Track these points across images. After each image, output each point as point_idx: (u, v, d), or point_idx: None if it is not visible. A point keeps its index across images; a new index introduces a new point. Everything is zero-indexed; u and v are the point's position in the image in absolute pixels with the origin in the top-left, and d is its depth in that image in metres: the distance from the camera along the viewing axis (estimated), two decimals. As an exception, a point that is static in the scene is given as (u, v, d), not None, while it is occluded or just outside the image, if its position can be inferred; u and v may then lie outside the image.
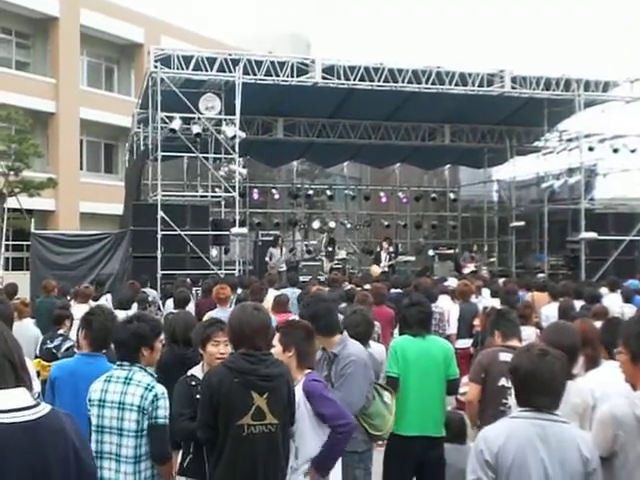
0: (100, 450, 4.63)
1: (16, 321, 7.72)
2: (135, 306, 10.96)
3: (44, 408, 2.54)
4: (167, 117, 18.29)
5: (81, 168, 37.34)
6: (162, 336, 5.20)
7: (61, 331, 8.46)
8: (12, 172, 26.31)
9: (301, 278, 17.50)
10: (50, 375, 5.51)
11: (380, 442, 7.69)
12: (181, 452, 5.06)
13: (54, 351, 8.00)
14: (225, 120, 18.50)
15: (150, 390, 4.61)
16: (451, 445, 6.21)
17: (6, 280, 16.90)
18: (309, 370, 4.87)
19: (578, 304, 10.53)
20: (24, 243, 26.42)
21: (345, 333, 5.89)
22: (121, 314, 10.53)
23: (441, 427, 6.16)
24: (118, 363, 4.82)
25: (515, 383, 3.73)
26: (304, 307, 6.09)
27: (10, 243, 29.07)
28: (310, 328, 5.03)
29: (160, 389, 4.66)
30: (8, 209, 26.21)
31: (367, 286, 12.92)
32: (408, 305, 6.51)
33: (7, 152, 26.53)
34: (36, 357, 8.19)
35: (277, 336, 4.86)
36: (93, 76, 39.17)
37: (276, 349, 4.78)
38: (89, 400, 4.72)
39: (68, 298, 12.84)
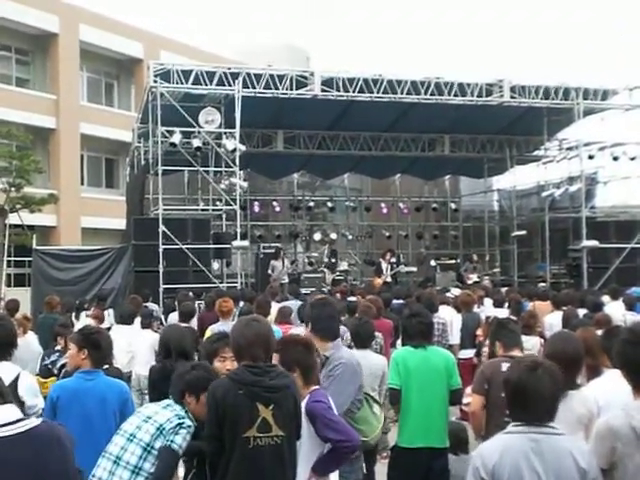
0: (106, 450, 4.66)
1: (20, 337, 7.72)
2: (138, 321, 10.96)
3: (34, 421, 2.56)
4: (167, 131, 18.34)
5: (82, 183, 37.38)
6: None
7: (58, 347, 8.43)
8: (13, 188, 26.32)
9: (303, 290, 17.49)
10: (50, 395, 5.46)
11: (385, 454, 7.71)
12: (184, 467, 5.05)
13: (50, 367, 7.97)
14: (225, 133, 18.55)
15: (180, 418, 4.65)
16: (453, 455, 6.20)
17: (8, 296, 16.90)
18: (315, 387, 4.81)
19: (581, 313, 10.54)
20: (26, 259, 26.39)
21: (339, 340, 5.90)
22: (124, 329, 10.59)
23: (445, 438, 6.14)
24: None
25: (507, 396, 3.73)
26: (312, 307, 6.08)
27: (12, 259, 29.07)
28: (308, 341, 5.00)
29: (189, 423, 4.67)
30: (10, 225, 26.21)
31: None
32: (408, 316, 6.58)
33: (8, 168, 26.54)
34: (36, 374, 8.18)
35: (276, 357, 4.73)
36: (93, 92, 39.25)
37: None
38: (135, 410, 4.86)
39: (73, 314, 12.85)
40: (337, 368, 5.56)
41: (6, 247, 25.37)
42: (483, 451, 3.65)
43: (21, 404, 5.60)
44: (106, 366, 6.12)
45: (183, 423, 4.63)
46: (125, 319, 11.00)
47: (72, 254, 20.46)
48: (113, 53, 38.93)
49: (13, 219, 26.39)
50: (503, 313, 10.94)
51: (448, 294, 14.79)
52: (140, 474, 4.55)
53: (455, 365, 6.41)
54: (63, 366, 7.42)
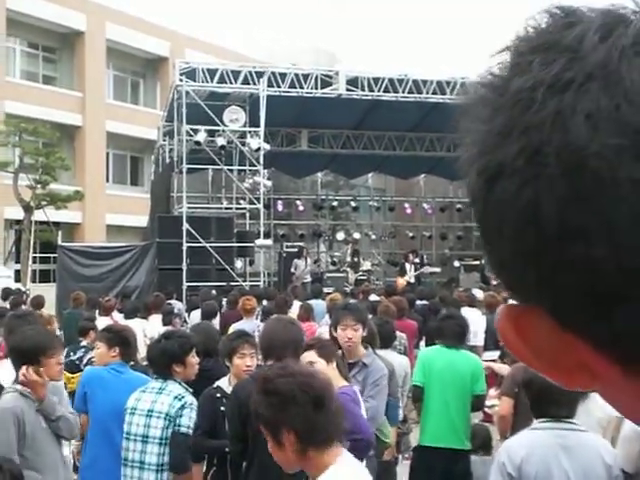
0: (126, 457, 4.70)
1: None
2: (159, 317, 10.98)
3: None
4: (192, 130, 18.39)
5: (107, 181, 37.63)
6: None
7: (84, 342, 8.47)
8: (39, 185, 26.55)
9: (325, 289, 17.46)
10: (82, 381, 5.64)
11: (407, 455, 7.68)
12: (205, 464, 5.06)
13: (77, 363, 8.01)
14: (249, 132, 18.58)
15: (180, 399, 4.71)
16: (477, 457, 6.17)
17: (33, 292, 17.01)
18: (346, 384, 4.81)
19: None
20: (51, 255, 26.64)
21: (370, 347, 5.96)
22: (132, 323, 10.62)
23: (464, 440, 6.15)
24: (155, 377, 4.93)
25: (530, 396, 3.77)
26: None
27: (37, 255, 29.31)
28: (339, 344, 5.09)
29: (190, 399, 4.76)
30: (35, 222, 26.43)
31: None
32: (445, 317, 6.78)
33: (34, 165, 26.78)
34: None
35: (313, 353, 4.72)
36: (119, 89, 39.51)
37: (319, 365, 4.63)
38: (125, 409, 4.81)
39: (97, 311, 12.90)
40: (382, 379, 5.70)
41: (32, 243, 25.57)
42: (509, 446, 3.65)
43: None
44: (132, 363, 6.20)
45: (184, 404, 4.74)
46: (128, 314, 11.09)
47: (97, 251, 20.58)
48: (139, 51, 39.15)
49: (39, 216, 26.61)
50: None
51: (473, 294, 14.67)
52: (167, 444, 4.71)
53: (482, 371, 6.43)
54: (89, 361, 7.47)
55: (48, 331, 5.16)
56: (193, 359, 5.03)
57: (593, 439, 3.62)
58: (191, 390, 4.94)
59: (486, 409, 7.12)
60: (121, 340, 5.65)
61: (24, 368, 4.48)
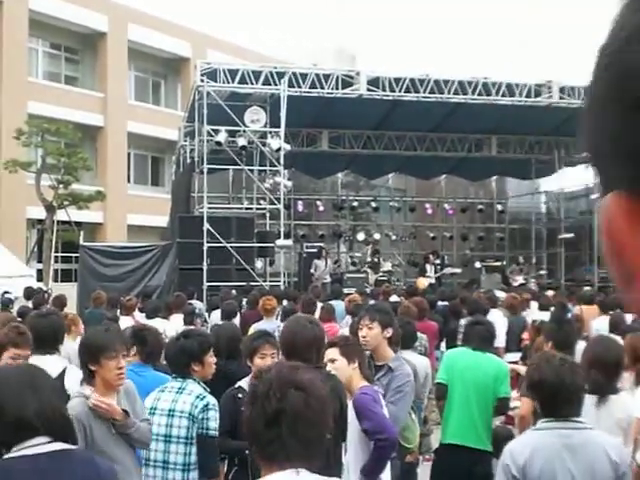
0: (147, 457, 4.71)
1: (69, 334, 7.76)
2: (180, 317, 11.01)
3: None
4: (213, 130, 18.45)
5: (128, 181, 37.78)
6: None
7: None
8: (61, 185, 26.71)
9: (345, 290, 17.43)
10: None
11: (427, 457, 7.66)
12: (227, 464, 5.07)
13: None
14: (270, 133, 18.60)
15: (201, 399, 4.73)
16: (497, 460, 6.16)
17: (55, 291, 17.11)
18: (367, 384, 4.81)
19: (630, 317, 10.32)
20: (73, 255, 26.81)
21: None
22: (154, 323, 10.66)
23: (485, 441, 6.13)
24: (173, 376, 4.94)
25: (541, 397, 3.75)
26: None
27: (59, 255, 29.48)
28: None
29: (212, 400, 4.78)
30: (57, 221, 26.58)
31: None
32: (473, 323, 6.81)
33: (57, 165, 26.94)
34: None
35: (336, 351, 4.77)
36: (140, 90, 39.67)
37: (340, 363, 4.72)
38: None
39: (118, 310, 12.95)
40: (406, 385, 5.61)
41: (54, 243, 25.71)
42: (513, 448, 3.66)
43: (67, 397, 5.69)
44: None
45: (207, 404, 4.73)
46: (149, 313, 11.13)
47: (118, 250, 20.68)
48: (160, 52, 39.29)
49: (61, 215, 26.76)
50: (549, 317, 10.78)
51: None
52: (193, 443, 4.70)
53: (507, 375, 6.40)
54: None
55: (115, 332, 4.91)
56: (211, 358, 5.05)
57: (599, 436, 3.62)
58: (209, 390, 4.94)
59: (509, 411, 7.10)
60: (138, 339, 5.68)
61: (92, 393, 4.44)
